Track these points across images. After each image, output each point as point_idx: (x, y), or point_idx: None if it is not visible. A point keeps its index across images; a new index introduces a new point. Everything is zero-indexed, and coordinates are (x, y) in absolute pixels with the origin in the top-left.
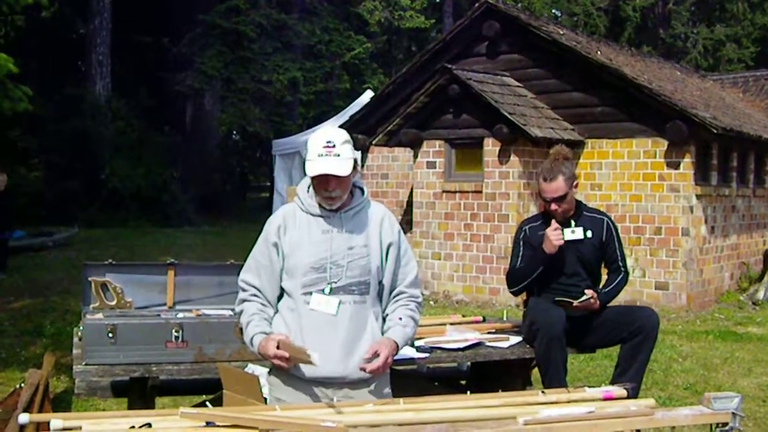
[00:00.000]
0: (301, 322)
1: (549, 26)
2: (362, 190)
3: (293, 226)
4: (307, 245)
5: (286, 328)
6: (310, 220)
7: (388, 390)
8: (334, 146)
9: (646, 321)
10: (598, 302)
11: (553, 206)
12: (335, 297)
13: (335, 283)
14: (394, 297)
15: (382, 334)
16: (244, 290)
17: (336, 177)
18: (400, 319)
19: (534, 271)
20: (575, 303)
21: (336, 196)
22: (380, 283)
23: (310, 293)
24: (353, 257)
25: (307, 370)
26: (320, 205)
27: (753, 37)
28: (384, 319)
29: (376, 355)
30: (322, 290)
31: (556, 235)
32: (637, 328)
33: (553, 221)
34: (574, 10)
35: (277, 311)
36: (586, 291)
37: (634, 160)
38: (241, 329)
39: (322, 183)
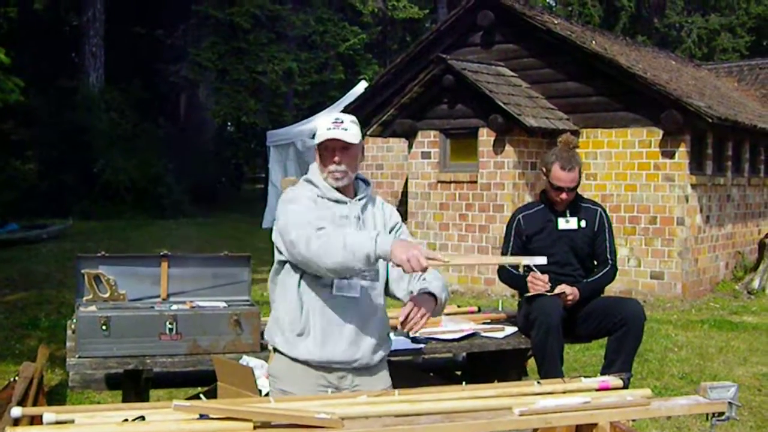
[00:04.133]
0: (320, 306)
1: (543, 16)
2: (366, 182)
3: (320, 205)
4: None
5: (300, 311)
6: (330, 205)
7: (389, 379)
8: (342, 122)
9: (629, 313)
10: (570, 299)
11: (564, 195)
12: (356, 280)
13: None
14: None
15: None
16: (300, 234)
17: (342, 147)
18: (424, 279)
19: (517, 289)
20: (548, 294)
21: (341, 171)
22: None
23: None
24: None
25: (317, 352)
26: (337, 190)
27: (747, 26)
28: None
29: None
30: None
31: (533, 284)
32: (620, 320)
33: (535, 278)
34: (568, 0)
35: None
36: (560, 286)
37: (629, 149)
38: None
39: (329, 153)
